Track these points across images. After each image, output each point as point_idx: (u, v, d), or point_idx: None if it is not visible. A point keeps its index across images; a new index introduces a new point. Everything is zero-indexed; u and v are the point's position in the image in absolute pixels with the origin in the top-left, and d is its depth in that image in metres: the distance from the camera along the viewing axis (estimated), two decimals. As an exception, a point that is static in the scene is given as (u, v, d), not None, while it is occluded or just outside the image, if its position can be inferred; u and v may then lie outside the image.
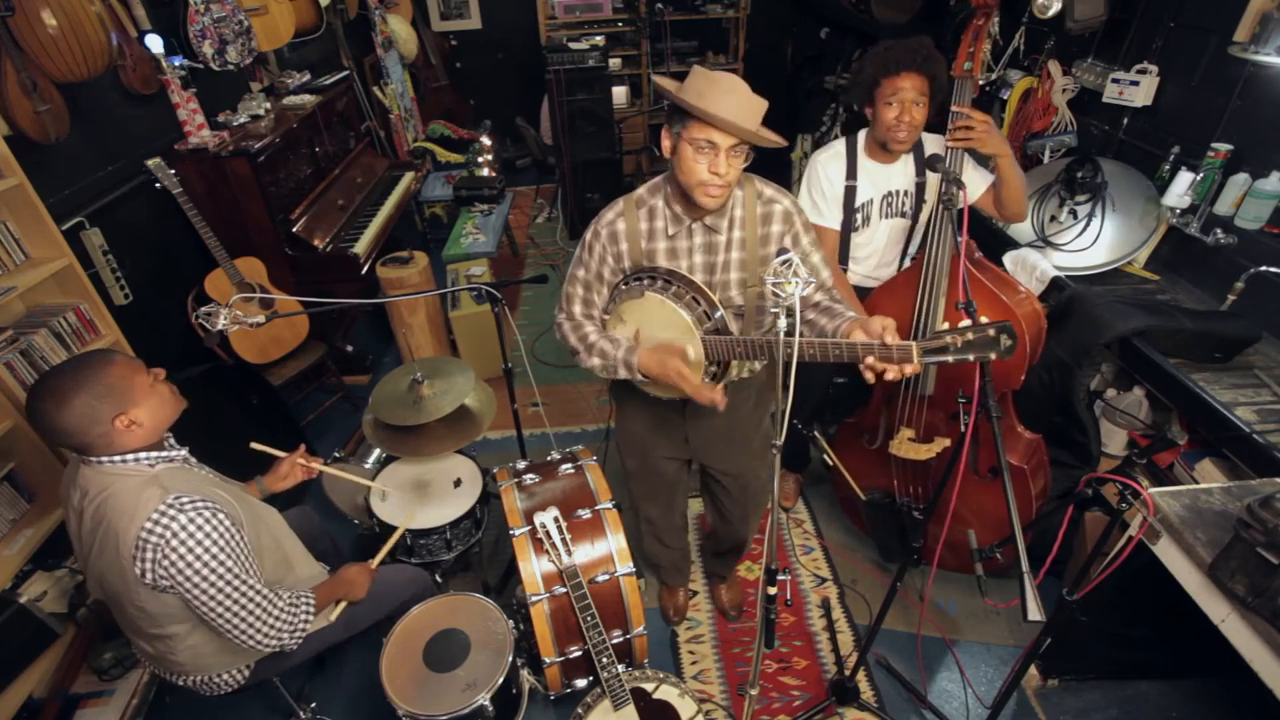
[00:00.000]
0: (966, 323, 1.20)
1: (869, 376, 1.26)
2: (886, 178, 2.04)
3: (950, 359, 1.20)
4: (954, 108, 1.88)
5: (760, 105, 1.33)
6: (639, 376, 1.52)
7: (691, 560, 2.42)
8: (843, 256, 2.15)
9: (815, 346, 1.28)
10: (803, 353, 1.28)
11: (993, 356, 1.18)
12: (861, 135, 2.06)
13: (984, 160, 2.00)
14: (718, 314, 1.45)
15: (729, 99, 1.30)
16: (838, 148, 2.07)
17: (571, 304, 1.62)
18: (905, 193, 2.06)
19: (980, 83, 2.00)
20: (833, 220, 2.08)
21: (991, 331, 1.17)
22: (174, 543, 1.32)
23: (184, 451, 1.52)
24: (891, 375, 1.23)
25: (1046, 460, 2.05)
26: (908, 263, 2.21)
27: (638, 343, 1.54)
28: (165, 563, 1.33)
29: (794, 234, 1.54)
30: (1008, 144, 1.91)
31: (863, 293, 2.17)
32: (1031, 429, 2.03)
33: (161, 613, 1.44)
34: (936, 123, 1.94)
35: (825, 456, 2.38)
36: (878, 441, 2.22)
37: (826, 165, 2.06)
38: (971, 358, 1.19)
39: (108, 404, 1.34)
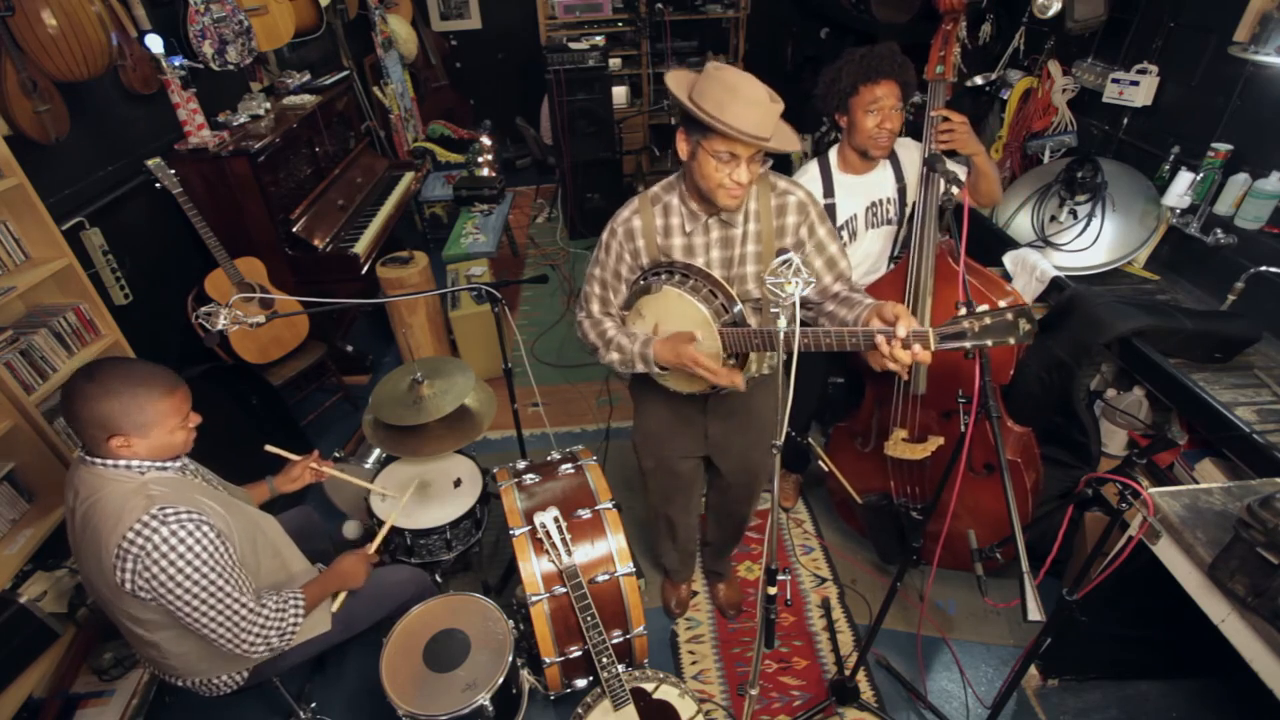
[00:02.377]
0: (984, 307, 1.19)
1: (890, 366, 1.24)
2: (866, 189, 2.05)
3: (968, 344, 1.18)
4: (932, 112, 1.90)
5: (777, 109, 1.32)
6: (655, 369, 1.53)
7: (696, 557, 2.42)
8: None
9: (832, 334, 1.28)
10: (819, 341, 1.28)
11: (1011, 341, 1.16)
12: (833, 153, 2.06)
13: (961, 158, 2.02)
14: (736, 308, 1.45)
15: (751, 112, 1.28)
16: (811, 170, 2.07)
17: (590, 302, 1.64)
18: (889, 200, 2.07)
19: (953, 84, 2.03)
20: None
21: (1010, 316, 1.14)
22: (155, 555, 1.31)
23: (181, 461, 1.51)
24: (905, 361, 1.22)
25: (1037, 454, 2.05)
26: (892, 265, 2.22)
27: (656, 337, 1.54)
28: (146, 574, 1.32)
29: (809, 224, 1.53)
30: (981, 143, 1.95)
31: None
32: (1023, 424, 2.03)
33: (147, 619, 1.44)
34: (908, 125, 1.96)
35: (821, 462, 2.38)
36: (871, 444, 2.22)
37: None
38: (990, 343, 1.17)
39: (126, 421, 1.34)
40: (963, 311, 1.43)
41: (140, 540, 1.31)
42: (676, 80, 1.38)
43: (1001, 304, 1.84)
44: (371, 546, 1.84)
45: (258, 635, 1.48)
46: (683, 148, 1.42)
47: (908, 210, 2.08)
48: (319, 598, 1.66)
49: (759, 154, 1.35)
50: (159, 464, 1.44)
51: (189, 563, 1.34)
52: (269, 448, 1.79)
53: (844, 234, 2.09)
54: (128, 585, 1.34)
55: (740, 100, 1.28)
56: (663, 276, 1.50)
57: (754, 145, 1.31)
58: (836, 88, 1.91)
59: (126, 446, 1.37)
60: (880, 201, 2.06)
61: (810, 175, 2.06)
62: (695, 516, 2.14)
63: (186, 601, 1.36)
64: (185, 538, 1.34)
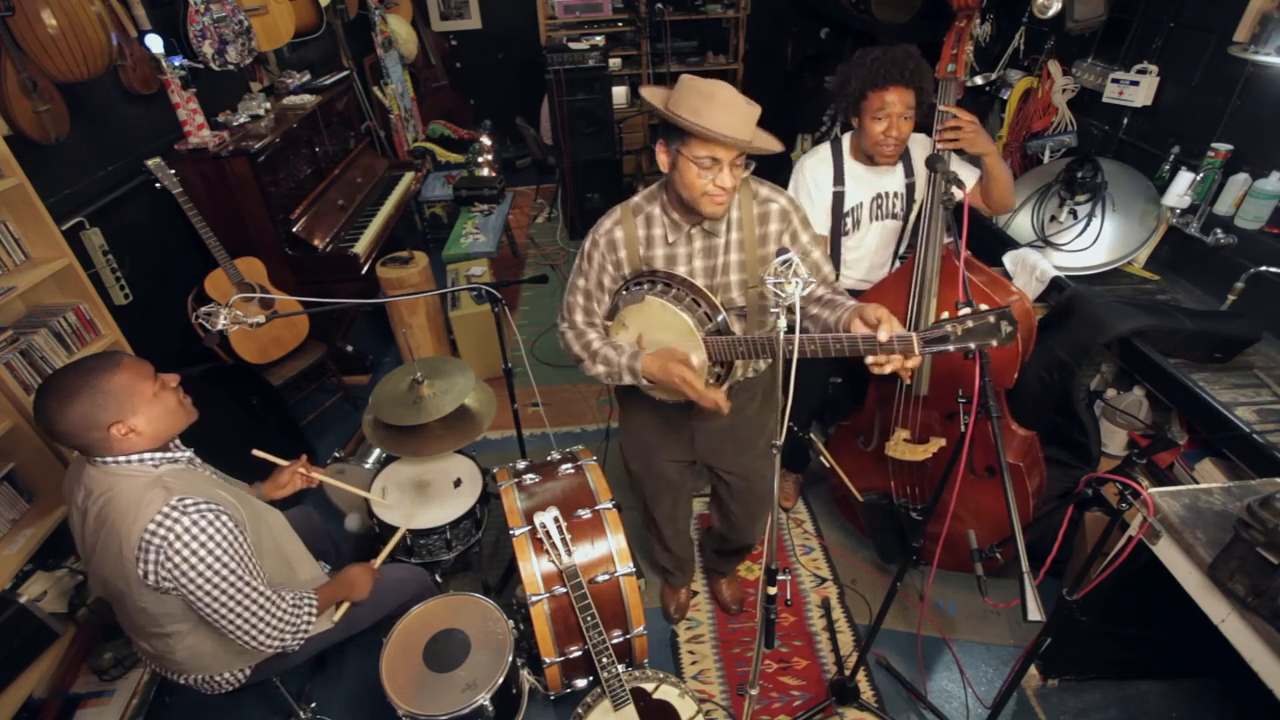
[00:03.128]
0: (966, 310, 1.20)
1: (875, 370, 1.25)
2: (875, 180, 2.04)
3: (951, 348, 1.19)
4: (940, 108, 1.88)
5: (754, 112, 1.32)
6: (643, 382, 1.52)
7: (694, 561, 2.42)
8: (833, 262, 2.15)
9: (817, 342, 1.27)
10: (804, 349, 1.28)
11: (993, 343, 1.17)
12: (846, 139, 2.06)
13: (971, 158, 2.01)
14: (719, 316, 1.45)
15: (729, 115, 1.28)
16: (823, 153, 2.06)
17: (573, 313, 1.63)
18: (895, 194, 2.06)
19: (965, 83, 2.00)
20: (821, 227, 2.08)
21: (992, 318, 1.16)
22: (177, 545, 1.32)
23: (189, 453, 1.52)
24: (892, 368, 1.23)
25: (1041, 457, 2.05)
26: (898, 264, 2.22)
27: (641, 347, 1.54)
28: (169, 565, 1.33)
29: (792, 231, 1.54)
30: (993, 142, 1.92)
31: (854, 296, 2.17)
32: (1027, 427, 2.03)
33: (163, 613, 1.44)
34: (923, 122, 1.94)
35: (822, 459, 2.38)
36: (873, 443, 2.22)
37: (814, 171, 2.06)
38: (973, 346, 1.18)
39: (106, 411, 1.34)
40: (963, 311, 1.44)
41: (163, 531, 1.32)
42: (651, 94, 1.39)
43: (1007, 303, 1.85)
44: (377, 561, 1.84)
45: (274, 629, 1.49)
46: (663, 159, 1.42)
47: (916, 207, 2.07)
48: (327, 603, 1.67)
49: (740, 158, 1.35)
50: (169, 455, 1.44)
51: (210, 552, 1.35)
52: (256, 452, 1.78)
53: (848, 222, 2.08)
54: (150, 578, 1.34)
55: (717, 104, 1.28)
56: (645, 286, 1.49)
57: (734, 147, 1.31)
58: (846, 90, 1.90)
59: (131, 431, 1.36)
60: (887, 195, 2.06)
61: (820, 157, 2.05)
62: (685, 521, 2.13)
63: (207, 592, 1.37)
64: (206, 527, 1.35)
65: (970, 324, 1.17)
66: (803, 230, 1.55)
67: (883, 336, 1.21)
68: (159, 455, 1.43)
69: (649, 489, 1.98)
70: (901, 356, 1.23)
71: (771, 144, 1.36)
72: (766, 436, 1.84)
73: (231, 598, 1.40)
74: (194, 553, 1.33)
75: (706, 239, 1.51)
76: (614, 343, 1.58)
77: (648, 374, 1.49)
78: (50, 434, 1.35)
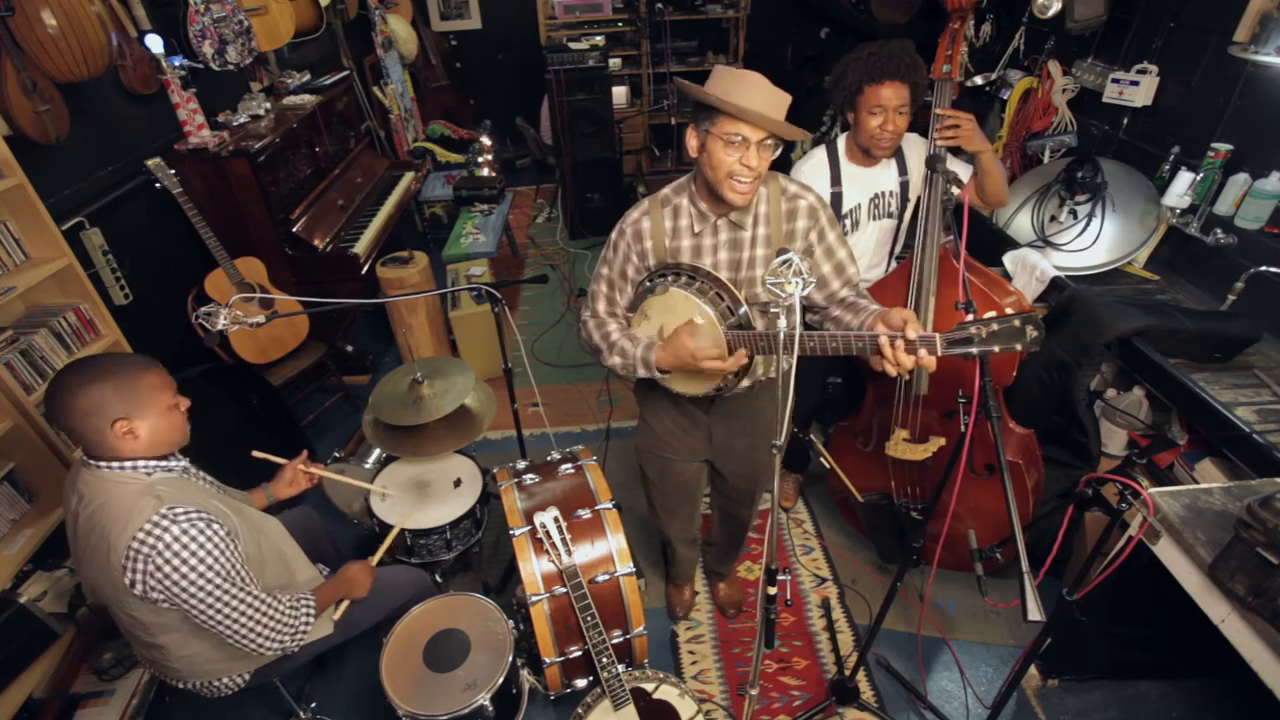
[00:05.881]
0: (992, 313, 1.19)
1: (890, 370, 1.26)
2: (872, 180, 2.04)
3: (975, 350, 1.18)
4: (936, 110, 1.89)
5: (784, 99, 1.35)
6: (658, 373, 1.52)
7: (697, 561, 2.43)
8: None
9: (839, 338, 1.28)
10: (825, 344, 1.29)
11: (1018, 347, 1.16)
12: (841, 140, 2.06)
13: (967, 157, 2.02)
14: (741, 310, 1.45)
15: (757, 94, 1.31)
16: (819, 157, 2.06)
17: (596, 302, 1.63)
18: (891, 193, 2.06)
19: (960, 83, 2.01)
20: None
21: (1017, 322, 1.15)
22: (166, 554, 1.31)
23: (184, 462, 1.52)
24: (907, 365, 1.24)
25: (1039, 455, 2.05)
26: (894, 264, 2.22)
27: (661, 340, 1.54)
28: (158, 574, 1.32)
29: (819, 229, 1.53)
30: (988, 141, 1.94)
31: None
32: (1025, 426, 2.03)
33: (154, 622, 1.44)
34: (917, 121, 1.95)
35: (822, 459, 2.38)
36: (872, 443, 2.22)
37: (810, 177, 2.06)
38: (997, 349, 1.17)
39: (120, 403, 1.34)
40: (962, 312, 1.44)
41: (151, 540, 1.31)
42: (686, 83, 1.42)
43: (1005, 303, 1.85)
44: (375, 558, 1.84)
45: (272, 633, 1.49)
46: (692, 143, 1.43)
47: (910, 206, 2.08)
48: (326, 603, 1.67)
49: (768, 139, 1.36)
50: (164, 464, 1.44)
51: (201, 560, 1.34)
52: (256, 453, 1.78)
53: (846, 224, 2.08)
54: (138, 588, 1.33)
55: (746, 84, 1.31)
56: (669, 278, 1.49)
57: (762, 126, 1.32)
58: (843, 84, 1.90)
59: (130, 433, 1.36)
60: (883, 194, 2.06)
61: (816, 161, 2.05)
62: (697, 522, 2.14)
63: (201, 600, 1.37)
64: (196, 536, 1.34)
65: (995, 327, 1.16)
66: (830, 229, 1.55)
67: (911, 334, 1.22)
68: (153, 463, 1.41)
69: (665, 499, 1.97)
70: (915, 357, 1.23)
71: (799, 132, 1.38)
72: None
73: (226, 604, 1.40)
74: (184, 562, 1.32)
75: (732, 231, 1.51)
76: (632, 334, 1.58)
77: (661, 364, 1.49)
78: (56, 407, 1.33)
